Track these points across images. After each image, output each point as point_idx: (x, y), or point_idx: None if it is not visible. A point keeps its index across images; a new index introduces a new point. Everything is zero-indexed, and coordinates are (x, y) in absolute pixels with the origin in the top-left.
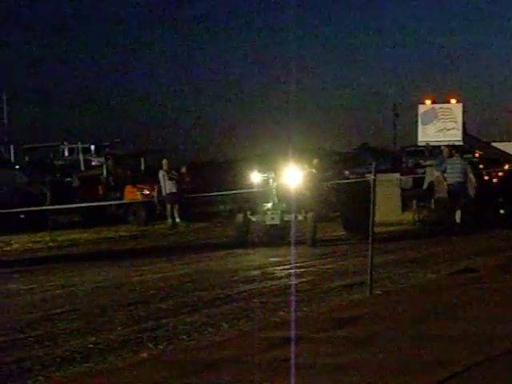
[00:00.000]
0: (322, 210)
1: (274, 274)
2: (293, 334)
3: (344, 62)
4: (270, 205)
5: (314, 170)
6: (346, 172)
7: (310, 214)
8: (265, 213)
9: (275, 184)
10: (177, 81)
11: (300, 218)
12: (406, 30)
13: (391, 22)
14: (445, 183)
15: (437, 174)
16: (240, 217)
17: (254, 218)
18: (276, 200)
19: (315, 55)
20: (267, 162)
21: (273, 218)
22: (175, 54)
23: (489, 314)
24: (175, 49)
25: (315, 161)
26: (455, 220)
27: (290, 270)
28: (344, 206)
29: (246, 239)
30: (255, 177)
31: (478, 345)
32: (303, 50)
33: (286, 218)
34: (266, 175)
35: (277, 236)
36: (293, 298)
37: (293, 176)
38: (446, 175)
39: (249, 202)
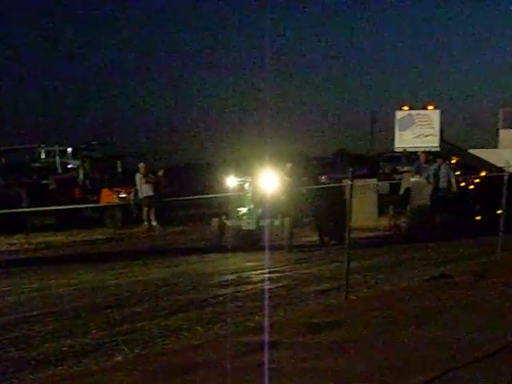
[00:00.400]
0: (297, 215)
1: (250, 278)
2: (268, 338)
3: (323, 67)
4: (245, 209)
5: (286, 176)
6: (323, 177)
7: (286, 220)
8: (240, 218)
9: (251, 188)
10: (156, 84)
11: (276, 223)
12: (385, 36)
13: (371, 28)
14: (427, 188)
15: (416, 179)
16: (215, 221)
17: (229, 223)
18: (252, 205)
19: (294, 60)
20: (244, 166)
21: (249, 223)
22: (153, 58)
23: (463, 321)
24: (154, 52)
25: (288, 165)
26: (436, 223)
27: (266, 275)
28: (318, 212)
29: (221, 244)
30: (231, 181)
31: (452, 351)
32: (281, 55)
33: (262, 223)
34: (241, 179)
35: (253, 241)
36: (269, 302)
37: (269, 180)
38: (430, 180)
39: (224, 207)
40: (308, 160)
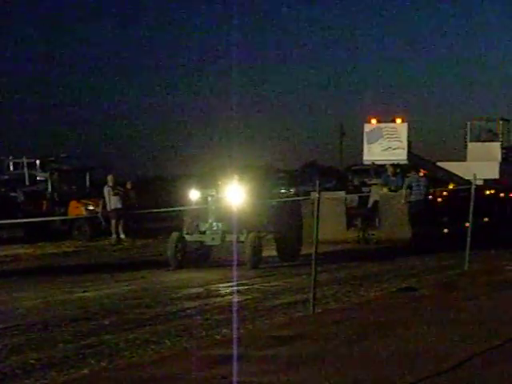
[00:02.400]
0: (261, 229)
1: (217, 291)
2: (235, 351)
3: (292, 79)
4: (208, 224)
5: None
6: (292, 190)
7: (249, 235)
8: (204, 232)
9: (214, 202)
10: (124, 96)
11: (242, 238)
12: (354, 48)
13: (340, 41)
14: (396, 200)
15: (384, 191)
16: (174, 235)
17: (191, 238)
18: (215, 219)
19: (263, 72)
20: (210, 179)
21: (213, 239)
22: (121, 69)
23: (427, 333)
24: (122, 62)
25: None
26: (409, 236)
27: (233, 288)
28: (275, 226)
29: (179, 259)
30: (193, 194)
31: (416, 364)
32: (251, 66)
33: (227, 239)
34: (205, 193)
35: (212, 256)
36: (236, 315)
37: (233, 194)
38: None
39: (186, 221)
40: (276, 173)
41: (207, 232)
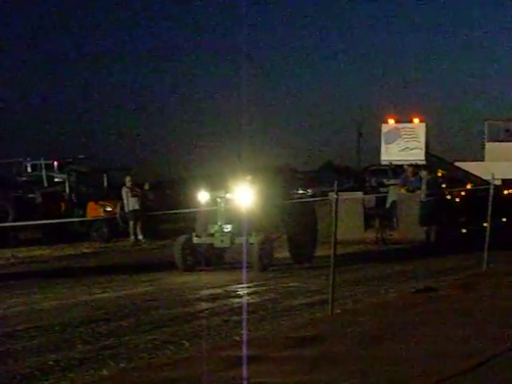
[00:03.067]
0: (272, 231)
1: (235, 292)
2: (253, 352)
3: (309, 80)
4: (218, 226)
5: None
6: (309, 190)
7: (257, 237)
8: (212, 234)
9: (224, 204)
10: (141, 97)
11: (251, 240)
12: (371, 49)
13: (357, 42)
14: (414, 201)
15: (402, 192)
16: (182, 238)
17: (200, 240)
18: (225, 221)
19: (279, 71)
20: (219, 181)
21: (222, 241)
22: (138, 70)
23: (447, 334)
24: (137, 65)
25: (248, 177)
26: (428, 237)
27: (251, 289)
28: (288, 228)
29: (186, 261)
30: (203, 196)
31: (437, 364)
32: (267, 67)
33: (237, 241)
34: (214, 194)
35: (226, 258)
36: (254, 316)
37: (243, 195)
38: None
39: (196, 222)
40: (293, 173)
41: (216, 234)
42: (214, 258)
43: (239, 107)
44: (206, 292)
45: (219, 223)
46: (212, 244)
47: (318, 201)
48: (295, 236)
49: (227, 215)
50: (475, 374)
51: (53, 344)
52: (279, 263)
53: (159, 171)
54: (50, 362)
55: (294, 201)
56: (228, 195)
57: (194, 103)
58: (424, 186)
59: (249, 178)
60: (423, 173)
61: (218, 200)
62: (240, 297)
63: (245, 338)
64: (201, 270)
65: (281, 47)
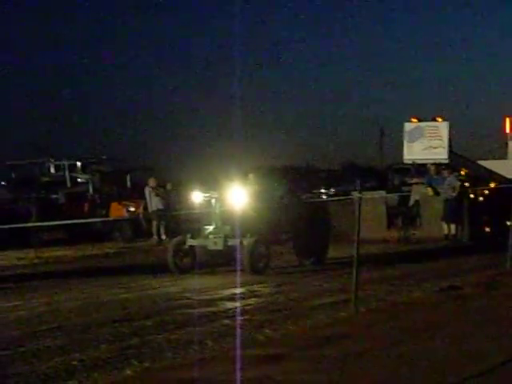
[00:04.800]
0: (271, 232)
1: (258, 291)
2: (277, 351)
3: (331, 78)
4: (212, 228)
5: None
6: (332, 189)
7: (248, 240)
8: (207, 236)
9: (218, 205)
10: (164, 96)
11: (245, 242)
12: (393, 48)
13: (379, 41)
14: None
15: (427, 191)
16: (175, 240)
17: (194, 242)
18: (219, 223)
19: (303, 71)
20: (213, 181)
21: (216, 243)
22: (153, 72)
23: (472, 333)
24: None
25: (250, 176)
26: (450, 235)
27: (275, 288)
28: (295, 229)
29: (179, 264)
30: (196, 197)
31: (462, 362)
32: (290, 64)
33: (230, 243)
34: (208, 195)
35: (222, 260)
36: (278, 315)
37: (237, 196)
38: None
39: (191, 224)
40: (315, 172)
41: (210, 236)
42: (229, 258)
43: (263, 106)
44: (229, 292)
45: (213, 225)
46: (206, 246)
47: (341, 200)
48: (301, 237)
49: (221, 217)
50: (495, 374)
51: (77, 344)
52: (304, 263)
53: (181, 171)
54: (74, 362)
55: (302, 201)
56: (222, 196)
57: (216, 102)
58: (445, 185)
59: (250, 177)
60: (445, 172)
61: (212, 201)
62: (264, 296)
63: (268, 337)
64: (227, 270)
65: (305, 46)
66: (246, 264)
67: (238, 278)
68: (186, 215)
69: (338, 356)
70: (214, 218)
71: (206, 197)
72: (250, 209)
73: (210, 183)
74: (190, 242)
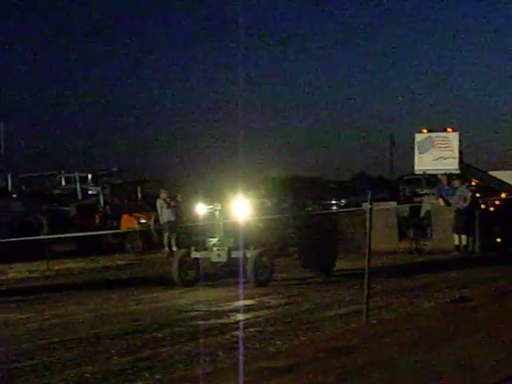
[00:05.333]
0: (276, 244)
1: (269, 303)
2: (288, 363)
3: (340, 89)
4: (215, 240)
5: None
6: (343, 201)
7: (252, 252)
8: (210, 249)
9: (221, 217)
10: (176, 108)
11: (249, 255)
12: (403, 57)
13: (388, 50)
14: (448, 211)
15: (438, 202)
16: (180, 252)
17: (198, 255)
18: (222, 235)
19: (311, 83)
20: (217, 193)
21: (219, 255)
22: (168, 84)
23: (484, 343)
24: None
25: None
26: (461, 247)
27: (285, 300)
28: (302, 241)
29: (184, 277)
30: (200, 209)
31: (473, 374)
32: (298, 77)
33: (233, 255)
34: (211, 207)
35: (226, 273)
36: (289, 327)
37: (241, 208)
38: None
39: (195, 236)
40: (326, 183)
41: (214, 248)
42: (223, 272)
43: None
44: (239, 303)
45: (217, 237)
46: (210, 258)
47: (352, 211)
48: (307, 249)
49: (225, 229)
50: None
51: (88, 356)
52: (312, 275)
53: (190, 182)
54: (86, 374)
55: (308, 213)
56: (225, 208)
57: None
58: (456, 195)
59: (258, 190)
60: (456, 182)
61: (216, 213)
62: (274, 308)
63: (279, 348)
64: (233, 282)
65: (315, 56)
66: (249, 276)
67: (247, 290)
68: (197, 227)
69: (348, 367)
70: (218, 230)
71: (209, 209)
72: (253, 221)
73: (214, 195)
74: (194, 254)
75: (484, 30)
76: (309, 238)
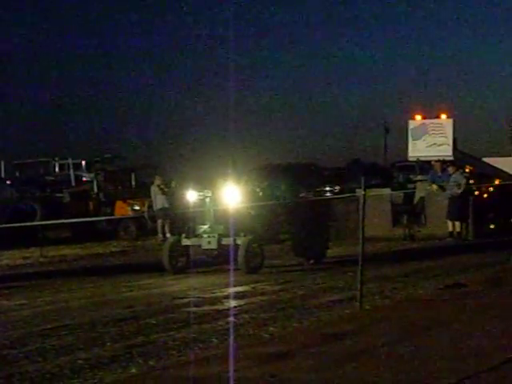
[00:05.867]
0: (267, 232)
1: (263, 289)
2: (282, 349)
3: (335, 76)
4: (206, 227)
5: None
6: (337, 187)
7: (243, 239)
8: (201, 236)
9: (212, 204)
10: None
11: (240, 242)
12: (396, 43)
13: (382, 36)
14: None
15: (431, 188)
16: (170, 240)
17: (188, 242)
18: (213, 222)
19: (306, 69)
20: (208, 180)
21: (209, 242)
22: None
23: (477, 329)
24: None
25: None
26: (455, 233)
27: (279, 286)
28: (294, 228)
29: (174, 264)
30: (191, 195)
31: (465, 360)
32: (295, 63)
33: (224, 242)
34: (202, 194)
35: (216, 260)
36: (283, 313)
37: (232, 195)
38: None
39: (185, 223)
40: (319, 171)
41: (204, 235)
42: (214, 258)
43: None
44: (233, 290)
45: (207, 224)
46: (200, 245)
47: (346, 197)
48: (299, 236)
49: (215, 215)
50: (499, 371)
51: (82, 342)
52: (304, 262)
53: (184, 168)
54: (80, 361)
55: (300, 200)
56: (215, 195)
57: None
58: (451, 182)
59: (237, 178)
60: (450, 168)
61: (206, 200)
62: (268, 294)
63: (273, 335)
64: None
65: (308, 43)
66: (241, 263)
67: (239, 277)
68: (187, 214)
69: (342, 353)
70: (208, 217)
71: (199, 195)
72: (244, 208)
73: (206, 182)
74: (185, 241)
75: (480, 12)
76: (301, 225)
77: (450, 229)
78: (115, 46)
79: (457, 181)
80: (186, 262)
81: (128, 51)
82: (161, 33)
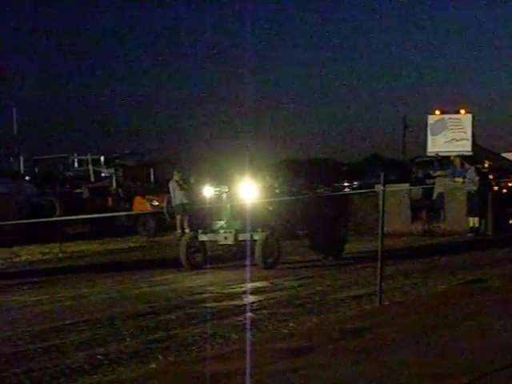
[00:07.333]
0: (284, 227)
1: (282, 285)
2: (301, 344)
3: (353, 71)
4: (223, 222)
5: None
6: (355, 183)
7: (260, 234)
8: (217, 231)
9: (229, 199)
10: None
11: (256, 237)
12: (417, 39)
13: (402, 33)
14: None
15: (451, 183)
16: (187, 235)
17: (205, 237)
18: (229, 217)
19: (324, 65)
20: (224, 175)
21: (226, 238)
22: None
23: (496, 326)
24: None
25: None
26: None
27: (298, 282)
28: (311, 224)
29: (191, 259)
30: (207, 191)
31: (486, 356)
32: (314, 59)
33: (240, 238)
34: (218, 189)
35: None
36: (302, 309)
37: (249, 190)
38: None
39: (202, 219)
40: (337, 166)
41: (220, 231)
42: (231, 254)
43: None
44: (252, 285)
45: (223, 220)
46: (217, 241)
47: (365, 193)
48: (317, 232)
49: (232, 211)
50: None
51: (101, 338)
52: (321, 258)
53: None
54: (99, 356)
55: (318, 196)
56: (232, 190)
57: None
58: (467, 179)
59: (256, 173)
60: (468, 164)
61: (223, 196)
62: (287, 289)
63: (292, 330)
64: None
65: (328, 39)
66: (257, 258)
67: (258, 273)
68: (204, 209)
69: (362, 349)
70: (225, 212)
71: (216, 191)
72: (261, 203)
73: (223, 178)
74: (201, 237)
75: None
76: (318, 220)
77: (471, 224)
78: (134, 38)
79: (471, 177)
80: (203, 257)
81: (146, 47)
82: (183, 27)
